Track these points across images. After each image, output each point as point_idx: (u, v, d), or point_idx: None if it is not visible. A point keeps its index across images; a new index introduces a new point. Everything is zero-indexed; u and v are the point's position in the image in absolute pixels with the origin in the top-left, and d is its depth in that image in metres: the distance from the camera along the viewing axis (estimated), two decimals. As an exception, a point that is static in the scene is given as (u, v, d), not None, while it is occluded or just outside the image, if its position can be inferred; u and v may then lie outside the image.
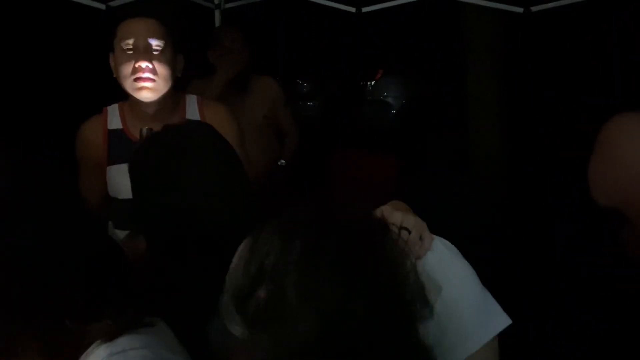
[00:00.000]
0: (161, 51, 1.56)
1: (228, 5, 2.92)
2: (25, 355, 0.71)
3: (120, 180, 1.58)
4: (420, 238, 0.89)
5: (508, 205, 3.45)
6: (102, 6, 2.47)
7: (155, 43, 1.55)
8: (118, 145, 1.62)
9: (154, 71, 1.54)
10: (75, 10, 2.53)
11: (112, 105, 1.69)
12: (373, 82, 4.62)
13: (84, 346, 0.72)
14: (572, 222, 3.20)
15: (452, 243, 0.94)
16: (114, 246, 0.82)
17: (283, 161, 2.48)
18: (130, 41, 1.54)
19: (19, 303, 0.69)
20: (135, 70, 1.54)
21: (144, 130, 1.44)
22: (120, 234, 1.55)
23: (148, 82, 1.54)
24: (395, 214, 0.89)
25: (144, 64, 1.53)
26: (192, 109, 1.68)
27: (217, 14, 2.89)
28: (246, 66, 2.54)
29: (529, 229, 3.23)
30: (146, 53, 1.54)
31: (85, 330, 0.73)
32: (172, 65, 1.59)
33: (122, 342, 0.72)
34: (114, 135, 1.64)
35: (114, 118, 1.66)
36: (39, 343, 0.71)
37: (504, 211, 3.33)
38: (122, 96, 1.63)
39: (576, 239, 3.05)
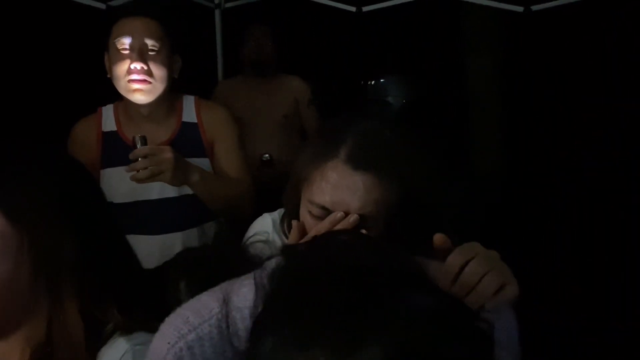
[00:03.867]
0: (157, 52, 1.50)
1: (228, 5, 2.91)
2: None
3: (115, 184, 1.54)
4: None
5: (508, 205, 3.45)
6: (102, 6, 2.47)
7: (151, 43, 1.49)
8: (112, 148, 1.57)
9: (149, 72, 1.49)
10: (75, 10, 2.53)
11: (107, 106, 1.64)
12: (373, 82, 4.61)
13: (104, 338, 0.74)
14: (570, 221, 3.19)
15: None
16: (129, 247, 0.84)
17: (267, 155, 2.48)
18: (126, 40, 1.48)
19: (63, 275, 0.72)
20: (129, 71, 1.48)
21: (137, 137, 1.37)
22: None
23: (142, 84, 1.49)
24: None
25: (138, 65, 1.47)
26: (189, 110, 1.63)
27: (217, 13, 2.89)
28: (274, 64, 2.56)
29: (528, 229, 3.23)
30: (141, 53, 1.48)
31: (108, 315, 0.75)
32: (168, 66, 1.53)
33: (140, 336, 0.74)
34: (109, 138, 1.59)
35: (108, 119, 1.61)
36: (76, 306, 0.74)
37: (504, 211, 3.33)
38: (120, 96, 1.58)
39: (575, 237, 3.05)
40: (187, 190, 1.55)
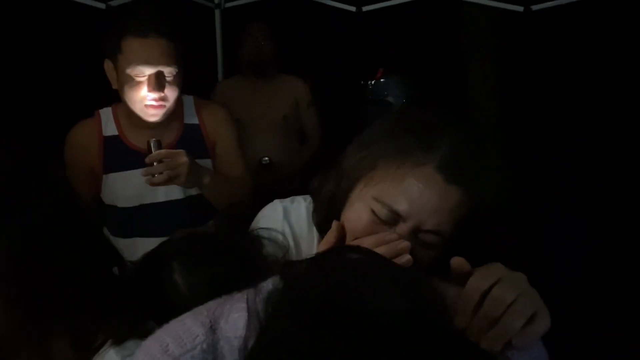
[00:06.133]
0: (173, 77, 1.47)
1: (228, 5, 2.91)
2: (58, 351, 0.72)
3: (118, 188, 1.55)
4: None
5: (506, 205, 3.44)
6: (102, 6, 2.47)
7: (167, 71, 1.45)
8: (115, 153, 1.56)
9: (165, 98, 1.46)
10: (75, 10, 2.53)
11: (105, 109, 1.61)
12: (373, 82, 4.60)
13: (94, 348, 0.72)
14: (569, 221, 3.19)
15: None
16: (116, 251, 0.82)
17: (266, 158, 2.47)
18: (142, 69, 1.42)
19: (46, 300, 0.69)
20: (146, 97, 1.45)
21: (152, 141, 1.36)
22: (116, 241, 1.51)
23: (158, 110, 1.47)
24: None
25: (156, 94, 1.44)
26: (190, 112, 1.63)
27: (217, 13, 2.89)
28: (273, 64, 2.55)
29: (527, 229, 3.23)
30: (159, 82, 1.43)
31: (97, 329, 0.73)
32: (181, 84, 1.51)
33: (132, 346, 0.71)
34: (110, 142, 1.57)
35: (108, 123, 1.59)
36: (66, 337, 0.72)
37: (503, 210, 3.33)
38: (118, 98, 1.55)
39: (573, 237, 3.04)
40: (192, 192, 1.56)
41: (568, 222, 3.18)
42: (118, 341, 0.71)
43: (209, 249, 0.85)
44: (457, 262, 0.69)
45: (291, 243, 0.96)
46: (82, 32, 2.70)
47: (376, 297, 0.46)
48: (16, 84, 3.07)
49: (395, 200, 0.77)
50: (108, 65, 1.52)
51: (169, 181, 1.37)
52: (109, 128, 1.59)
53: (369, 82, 4.58)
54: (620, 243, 2.89)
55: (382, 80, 4.79)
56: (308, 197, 1.02)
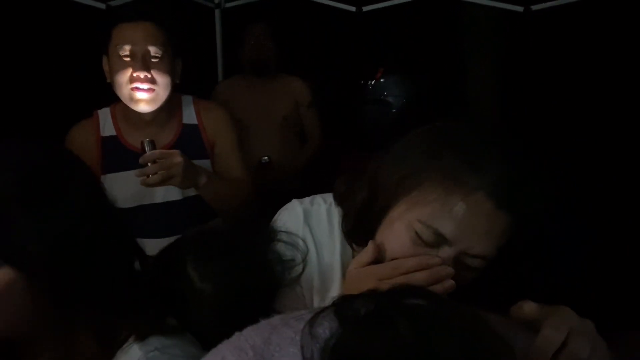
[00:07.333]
0: (160, 59, 1.47)
1: (228, 5, 2.92)
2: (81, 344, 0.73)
3: (116, 189, 1.53)
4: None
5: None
6: (102, 6, 2.47)
7: (154, 50, 1.46)
8: (113, 153, 1.55)
9: (152, 80, 1.46)
10: (75, 10, 2.53)
11: (104, 109, 1.61)
12: (373, 82, 4.62)
13: (118, 343, 0.73)
14: (569, 221, 3.19)
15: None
16: (138, 246, 0.83)
17: (266, 158, 2.47)
18: (127, 47, 1.44)
19: (76, 294, 0.69)
20: (132, 79, 1.45)
21: (146, 142, 1.35)
22: None
23: (146, 94, 1.46)
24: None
25: (142, 74, 1.44)
26: (189, 112, 1.62)
27: (217, 13, 2.89)
28: (273, 64, 2.55)
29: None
30: (144, 61, 1.44)
31: (121, 324, 0.74)
32: (170, 72, 1.50)
33: (154, 341, 0.72)
34: (108, 143, 1.56)
35: (106, 123, 1.58)
36: (91, 331, 0.72)
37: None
38: (117, 98, 1.54)
39: (573, 237, 3.05)
40: (190, 192, 1.55)
41: (568, 222, 3.18)
42: (141, 337, 0.72)
43: (221, 243, 0.86)
44: (529, 309, 0.65)
45: (312, 248, 0.93)
46: (82, 32, 2.70)
47: (447, 352, 0.44)
48: (16, 84, 3.07)
49: (442, 223, 0.75)
50: (104, 60, 1.53)
51: (163, 182, 1.35)
52: (107, 128, 1.58)
53: (369, 82, 4.59)
54: (620, 243, 2.89)
55: (381, 80, 4.81)
56: (328, 198, 0.97)
